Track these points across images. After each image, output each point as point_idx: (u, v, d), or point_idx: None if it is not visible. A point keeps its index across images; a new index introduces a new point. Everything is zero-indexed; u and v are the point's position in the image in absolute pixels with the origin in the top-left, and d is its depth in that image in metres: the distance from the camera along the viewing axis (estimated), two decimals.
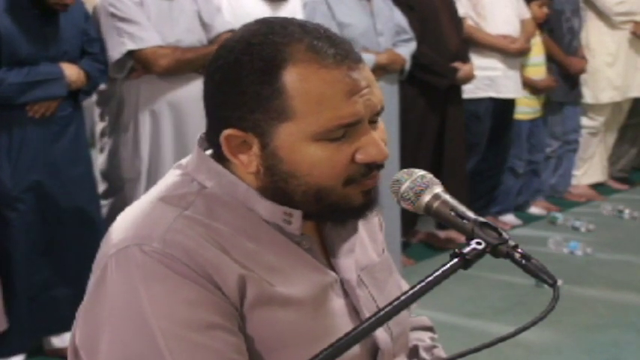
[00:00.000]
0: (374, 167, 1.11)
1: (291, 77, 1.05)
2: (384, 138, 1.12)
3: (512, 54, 4.83)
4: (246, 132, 1.08)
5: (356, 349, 1.13)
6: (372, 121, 1.11)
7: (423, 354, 1.34)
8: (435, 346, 1.37)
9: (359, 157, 1.09)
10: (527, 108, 5.22)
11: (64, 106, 3.11)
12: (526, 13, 4.99)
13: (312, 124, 1.05)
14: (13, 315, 3.07)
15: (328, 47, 1.07)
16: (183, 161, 1.19)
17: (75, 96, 3.16)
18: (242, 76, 1.07)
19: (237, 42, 1.10)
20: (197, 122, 3.22)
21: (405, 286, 1.32)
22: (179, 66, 3.25)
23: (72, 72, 3.07)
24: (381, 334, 1.18)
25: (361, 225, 1.26)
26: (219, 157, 1.14)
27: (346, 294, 1.17)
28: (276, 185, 1.10)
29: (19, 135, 3.00)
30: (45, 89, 2.99)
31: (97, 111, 3.47)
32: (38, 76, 2.97)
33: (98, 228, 3.15)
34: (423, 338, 1.38)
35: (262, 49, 1.07)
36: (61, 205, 3.14)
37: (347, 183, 1.09)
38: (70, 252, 3.14)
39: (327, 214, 1.13)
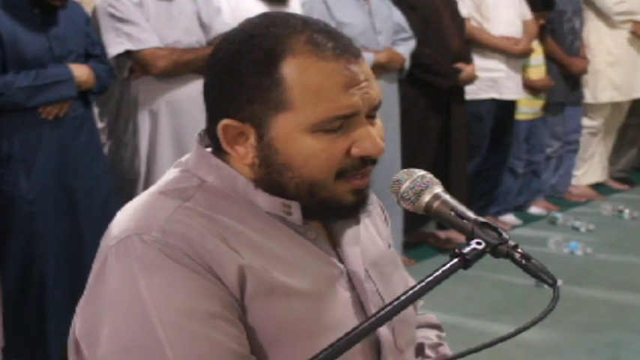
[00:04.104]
0: (368, 162, 1.11)
1: (290, 68, 1.06)
2: (381, 135, 1.12)
3: (516, 55, 4.84)
4: (243, 122, 1.09)
5: (358, 344, 1.13)
6: (370, 116, 1.11)
7: (428, 352, 1.35)
8: (440, 344, 1.37)
9: (354, 150, 1.09)
10: (526, 108, 5.23)
11: (76, 106, 3.08)
12: (528, 14, 4.99)
13: (310, 115, 1.06)
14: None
15: (328, 40, 1.08)
16: (183, 159, 1.20)
17: (85, 96, 3.13)
18: (241, 66, 1.08)
19: (239, 34, 1.11)
20: (196, 122, 3.21)
21: (411, 281, 1.33)
22: (177, 67, 3.24)
23: (81, 72, 3.04)
24: (382, 329, 1.17)
25: (368, 220, 1.27)
26: (218, 151, 1.15)
27: (352, 286, 1.17)
28: (271, 177, 1.10)
29: (33, 138, 2.97)
30: (55, 91, 2.96)
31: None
32: (47, 78, 2.94)
33: None
34: (430, 336, 1.38)
35: (263, 40, 1.08)
36: (80, 206, 3.11)
37: (339, 176, 1.09)
38: (90, 252, 3.10)
39: (318, 210, 1.13)
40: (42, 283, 3.04)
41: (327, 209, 1.12)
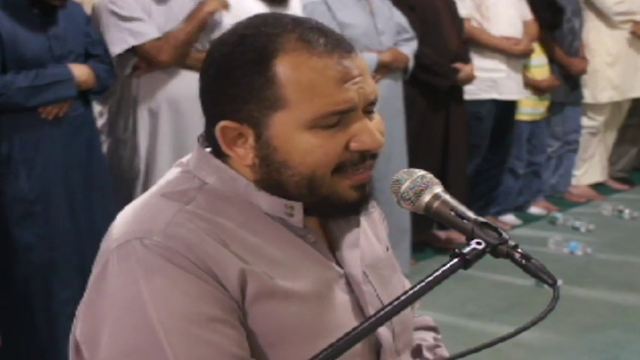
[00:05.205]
0: (368, 156, 1.11)
1: (283, 66, 1.07)
2: (380, 129, 1.12)
3: (516, 56, 4.84)
4: (240, 123, 1.09)
5: (358, 345, 1.13)
6: (368, 112, 1.11)
7: (426, 353, 1.35)
8: (437, 346, 1.37)
9: (353, 145, 1.09)
10: (530, 109, 5.22)
11: (76, 106, 3.07)
12: (528, 15, 4.99)
13: (305, 112, 1.06)
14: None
15: (319, 37, 1.08)
16: (184, 159, 1.20)
17: (85, 96, 3.13)
18: (235, 67, 1.09)
19: (231, 36, 1.12)
20: (195, 120, 3.21)
21: (408, 284, 1.33)
22: (178, 54, 3.22)
23: (81, 72, 3.04)
24: (383, 330, 1.18)
25: (365, 221, 1.27)
26: (218, 153, 1.15)
27: (351, 289, 1.17)
28: (271, 177, 1.11)
29: (33, 138, 2.96)
30: (54, 91, 2.95)
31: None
32: (47, 78, 2.93)
33: None
34: (427, 338, 1.39)
35: (255, 40, 1.09)
36: (80, 206, 3.11)
37: (337, 170, 1.09)
38: (90, 252, 3.07)
39: (322, 208, 1.13)
40: (44, 284, 3.03)
41: (330, 206, 1.12)
